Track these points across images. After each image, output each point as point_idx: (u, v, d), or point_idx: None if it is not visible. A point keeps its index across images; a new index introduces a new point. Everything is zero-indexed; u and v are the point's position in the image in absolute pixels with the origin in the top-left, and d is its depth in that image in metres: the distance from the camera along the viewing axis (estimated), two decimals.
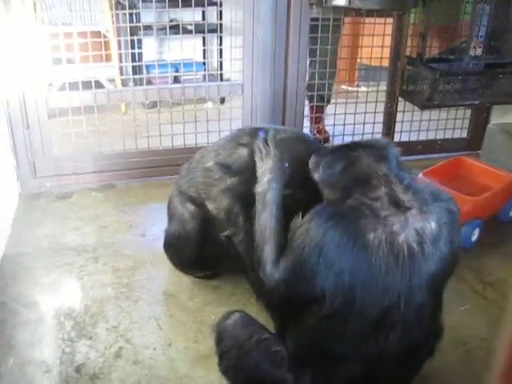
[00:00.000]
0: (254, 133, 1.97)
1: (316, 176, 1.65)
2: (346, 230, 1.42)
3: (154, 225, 2.73)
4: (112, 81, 4.18)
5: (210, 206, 2.09)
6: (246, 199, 1.87)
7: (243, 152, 1.97)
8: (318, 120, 3.80)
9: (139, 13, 3.59)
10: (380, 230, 1.41)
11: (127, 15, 3.37)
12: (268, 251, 1.61)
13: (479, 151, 3.59)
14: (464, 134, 3.74)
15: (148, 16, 3.60)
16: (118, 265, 2.42)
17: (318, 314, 1.47)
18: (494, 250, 2.64)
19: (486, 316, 2.20)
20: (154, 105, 3.46)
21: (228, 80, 3.72)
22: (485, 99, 3.36)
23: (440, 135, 3.66)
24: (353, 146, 1.62)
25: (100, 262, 2.44)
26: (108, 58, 3.86)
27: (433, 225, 1.44)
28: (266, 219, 1.67)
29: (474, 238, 2.64)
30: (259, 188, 1.74)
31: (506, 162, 3.16)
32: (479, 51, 3.26)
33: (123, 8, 3.48)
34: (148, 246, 2.58)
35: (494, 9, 3.18)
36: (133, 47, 3.50)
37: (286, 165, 1.80)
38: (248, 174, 1.89)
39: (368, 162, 1.53)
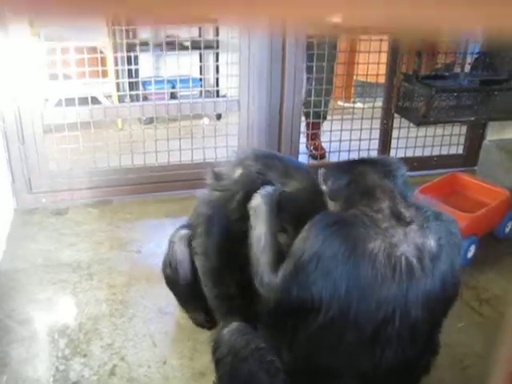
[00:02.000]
0: (257, 157, 1.96)
1: (324, 188, 1.65)
2: (344, 238, 1.42)
3: (150, 241, 2.72)
4: (108, 97, 4.19)
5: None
6: (220, 212, 1.87)
7: (238, 172, 1.96)
8: (314, 137, 3.81)
9: (136, 29, 3.61)
10: (379, 241, 1.41)
11: (124, 31, 3.38)
12: (264, 261, 1.61)
13: (475, 167, 3.60)
14: (460, 151, 3.75)
15: (145, 32, 3.61)
16: (113, 281, 2.41)
17: (313, 324, 1.46)
18: (489, 267, 2.64)
19: (483, 333, 2.19)
20: (150, 121, 3.47)
21: (224, 96, 3.73)
22: (480, 116, 3.37)
23: (436, 151, 3.66)
24: (361, 162, 1.64)
25: (95, 279, 2.42)
26: (105, 74, 3.87)
27: (432, 242, 1.44)
28: (260, 231, 1.67)
29: (470, 254, 2.63)
30: (252, 203, 1.74)
31: (502, 178, 3.17)
32: (468, 68, 3.29)
33: (120, 24, 3.50)
34: (144, 262, 2.57)
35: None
36: (129, 63, 3.52)
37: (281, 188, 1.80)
38: (228, 194, 1.89)
39: (374, 177, 1.55)
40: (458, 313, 2.29)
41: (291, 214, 1.79)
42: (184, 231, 2.04)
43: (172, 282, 2.10)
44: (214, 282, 1.89)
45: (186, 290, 2.06)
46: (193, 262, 1.98)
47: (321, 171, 1.71)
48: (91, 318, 2.16)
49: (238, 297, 1.90)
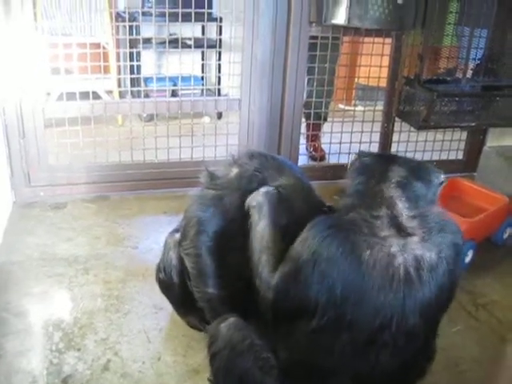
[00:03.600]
0: (252, 156, 1.95)
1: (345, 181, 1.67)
2: (341, 242, 1.42)
3: (147, 238, 2.72)
4: (110, 92, 4.19)
5: None
6: (213, 213, 1.86)
7: (234, 171, 1.94)
8: (314, 138, 3.81)
9: (139, 26, 3.60)
10: (376, 249, 1.41)
11: (127, 28, 3.38)
12: (265, 259, 1.61)
13: (474, 173, 3.60)
14: (460, 156, 3.75)
15: (148, 29, 3.61)
16: (109, 277, 2.40)
17: (309, 325, 1.46)
18: (487, 272, 2.64)
19: (478, 337, 2.19)
20: (150, 118, 3.47)
21: (226, 95, 3.73)
22: (481, 121, 3.37)
23: (436, 156, 3.66)
24: (391, 161, 1.64)
25: (91, 274, 2.42)
26: (106, 70, 3.88)
27: (433, 255, 1.44)
28: (263, 229, 1.67)
29: (468, 259, 2.63)
30: (253, 201, 1.73)
31: (501, 184, 3.16)
32: (470, 73, 3.29)
33: (123, 20, 3.50)
34: (140, 258, 2.56)
35: (492, 32, 3.21)
36: (131, 60, 3.52)
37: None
38: (224, 193, 1.88)
39: (386, 181, 1.54)
40: (454, 317, 2.29)
41: (290, 214, 1.79)
42: (177, 235, 2.00)
43: (166, 286, 2.08)
44: (205, 284, 1.87)
45: (180, 294, 2.02)
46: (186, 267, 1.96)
47: (353, 158, 1.73)
48: (86, 313, 2.16)
49: (230, 299, 1.89)
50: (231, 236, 1.88)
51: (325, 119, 3.74)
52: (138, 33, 3.62)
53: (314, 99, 3.40)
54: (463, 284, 2.52)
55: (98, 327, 2.08)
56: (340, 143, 3.46)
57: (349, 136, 3.44)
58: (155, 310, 2.20)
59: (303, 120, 3.52)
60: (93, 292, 2.29)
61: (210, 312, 1.90)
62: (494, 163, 3.37)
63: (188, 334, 2.07)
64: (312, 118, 3.53)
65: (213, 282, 1.86)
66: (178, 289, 2.01)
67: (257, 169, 1.90)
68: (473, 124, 3.39)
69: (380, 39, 3.29)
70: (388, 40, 3.34)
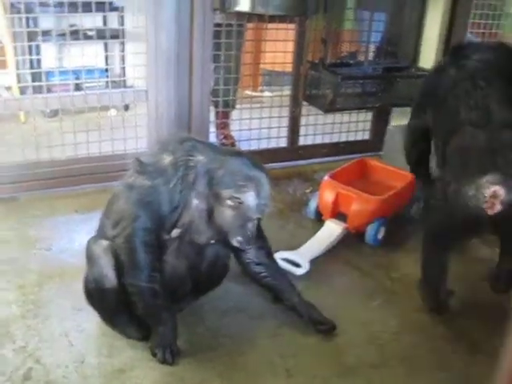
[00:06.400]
0: (181, 141, 1.94)
1: None
2: None
3: (61, 238, 2.62)
4: (9, 88, 4.00)
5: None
6: (149, 207, 1.84)
7: (166, 158, 1.91)
8: (223, 126, 3.80)
9: (37, 17, 3.45)
10: None
11: (23, 20, 3.22)
12: None
13: (381, 152, 3.72)
14: (366, 136, 3.87)
15: (46, 21, 3.46)
16: (24, 281, 2.30)
17: None
18: (399, 247, 2.75)
19: (397, 310, 2.28)
20: (55, 113, 3.34)
21: (131, 87, 3.65)
22: (384, 102, 3.50)
23: (343, 138, 3.76)
24: None
25: (3, 280, 2.30)
26: (3, 65, 3.69)
27: None
28: None
29: (380, 236, 2.73)
30: None
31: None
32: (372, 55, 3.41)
33: (19, 12, 3.33)
34: (55, 260, 2.47)
35: (390, 16, 3.32)
36: (31, 54, 3.36)
37: None
38: (160, 181, 1.85)
39: None
40: (372, 292, 2.38)
41: None
42: (104, 242, 1.93)
43: (98, 298, 1.98)
44: (139, 278, 1.84)
45: (114, 302, 1.95)
46: (119, 272, 1.90)
47: None
48: (1, 321, 2.05)
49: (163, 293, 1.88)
50: (166, 228, 1.87)
51: (233, 106, 3.74)
52: (35, 25, 3.46)
53: (221, 87, 3.39)
54: (377, 259, 2.62)
55: (16, 335, 1.99)
56: (250, 130, 3.47)
57: (258, 122, 3.46)
58: (75, 312, 2.13)
59: (212, 108, 3.51)
60: (6, 299, 2.18)
61: (142, 306, 1.87)
62: (398, 141, 3.49)
63: (111, 333, 2.02)
64: (220, 106, 3.52)
65: (147, 275, 1.84)
66: (110, 296, 1.93)
67: (189, 152, 1.88)
68: (376, 105, 3.52)
69: (284, 25, 3.33)
70: (292, 26, 3.38)
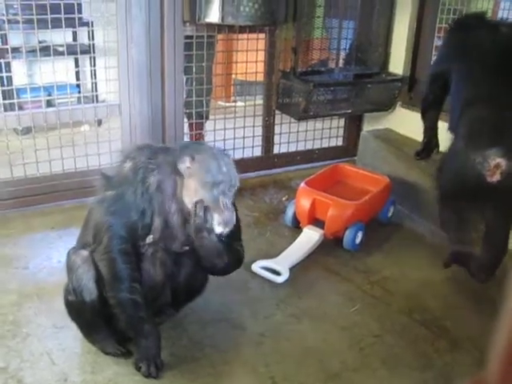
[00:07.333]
0: (141, 148, 1.94)
1: None
2: None
3: (38, 256, 2.59)
4: None
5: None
6: (119, 214, 1.84)
7: (127, 165, 1.91)
8: (198, 137, 3.80)
9: (6, 34, 3.41)
10: None
11: None
12: None
13: (355, 157, 3.76)
14: (340, 142, 3.90)
15: (16, 38, 3.43)
16: (2, 301, 2.26)
17: None
18: (376, 251, 2.77)
19: (376, 313, 2.30)
20: (27, 130, 3.31)
21: (104, 101, 3.64)
22: (356, 108, 3.54)
23: (317, 145, 3.79)
24: None
25: None
26: None
27: None
28: None
29: (358, 240, 2.75)
30: None
31: (380, 165, 3.33)
32: (342, 63, 3.45)
33: None
34: (33, 278, 2.44)
35: (359, 24, 3.37)
36: (1, 71, 3.33)
37: None
38: (124, 188, 1.85)
39: None
40: (352, 297, 2.40)
41: None
42: (84, 252, 1.91)
43: (77, 309, 1.95)
44: (119, 289, 1.83)
45: (93, 315, 1.92)
46: (98, 283, 1.88)
47: None
48: None
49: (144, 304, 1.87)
50: (140, 234, 1.86)
51: (206, 117, 3.74)
52: (4, 42, 3.42)
53: (194, 98, 3.40)
54: (356, 264, 2.64)
55: None
56: (224, 140, 3.48)
57: (232, 132, 3.47)
58: (56, 330, 2.11)
59: (185, 120, 3.52)
60: None
61: (124, 319, 1.86)
62: (371, 146, 3.54)
63: (93, 350, 2.00)
64: (194, 118, 3.53)
65: (127, 286, 1.83)
66: (90, 309, 1.90)
67: (149, 156, 1.89)
68: (349, 111, 3.55)
69: (254, 35, 3.35)
70: (262, 35, 3.40)
